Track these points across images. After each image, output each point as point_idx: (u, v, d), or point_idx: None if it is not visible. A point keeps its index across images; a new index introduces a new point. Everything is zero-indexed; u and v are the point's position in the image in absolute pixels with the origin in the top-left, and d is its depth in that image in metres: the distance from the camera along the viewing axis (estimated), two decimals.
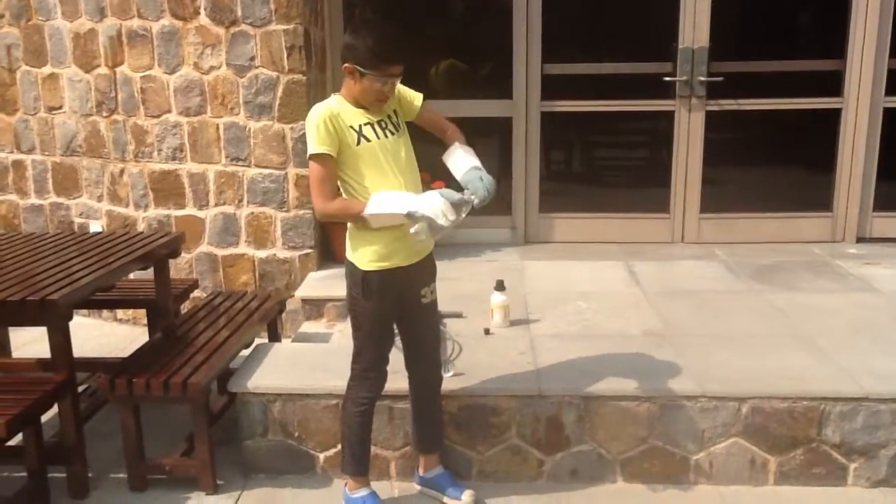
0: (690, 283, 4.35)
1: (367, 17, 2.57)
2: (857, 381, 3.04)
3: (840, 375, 3.11)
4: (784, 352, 3.36)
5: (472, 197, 2.52)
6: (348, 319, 2.81)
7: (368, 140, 2.55)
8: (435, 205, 2.44)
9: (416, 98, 2.74)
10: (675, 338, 3.53)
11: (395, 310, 2.73)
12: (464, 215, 2.51)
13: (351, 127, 2.52)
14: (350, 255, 2.67)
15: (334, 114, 2.50)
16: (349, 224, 2.66)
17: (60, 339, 2.89)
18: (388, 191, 2.54)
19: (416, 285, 2.76)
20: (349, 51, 2.47)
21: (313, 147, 2.49)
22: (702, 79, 4.84)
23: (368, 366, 2.75)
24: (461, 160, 2.68)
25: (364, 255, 2.62)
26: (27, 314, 2.77)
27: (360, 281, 2.63)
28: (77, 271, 3.10)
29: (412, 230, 2.47)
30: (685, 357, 3.30)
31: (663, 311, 3.88)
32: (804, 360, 3.27)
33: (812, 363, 3.24)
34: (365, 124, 2.55)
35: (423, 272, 2.77)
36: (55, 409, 2.97)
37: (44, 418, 2.93)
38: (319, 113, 2.49)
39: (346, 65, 2.48)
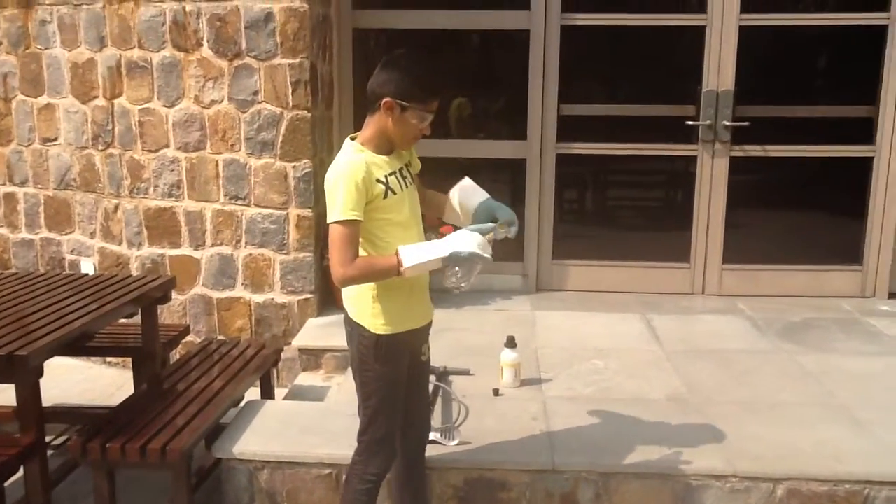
0: (714, 340, 4.07)
1: (401, 52, 2.36)
2: None
3: (884, 454, 2.84)
4: (820, 423, 3.08)
5: (504, 229, 2.39)
6: (347, 371, 2.56)
7: (394, 192, 2.32)
8: (474, 241, 2.23)
9: (417, 160, 2.55)
10: (699, 404, 3.26)
11: (406, 373, 2.50)
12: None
13: (378, 180, 2.28)
14: (357, 317, 2.39)
15: (364, 170, 2.25)
16: (362, 288, 2.36)
17: (29, 397, 2.64)
18: (412, 243, 2.31)
19: (418, 344, 2.55)
20: (390, 84, 2.25)
21: (342, 212, 2.20)
22: (726, 123, 4.61)
23: (380, 438, 2.47)
24: (476, 193, 2.50)
25: (378, 318, 2.37)
26: None
27: (374, 345, 2.37)
28: (52, 322, 2.85)
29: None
30: (712, 428, 3.03)
31: (686, 373, 3.61)
32: (842, 433, 3.00)
33: (851, 437, 2.96)
34: (390, 174, 2.32)
35: (425, 329, 2.57)
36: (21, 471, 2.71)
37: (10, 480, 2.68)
38: (350, 173, 2.22)
39: (385, 100, 2.25)
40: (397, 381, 2.45)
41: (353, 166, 2.24)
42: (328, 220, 2.24)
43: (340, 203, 2.21)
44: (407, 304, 2.41)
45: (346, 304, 2.44)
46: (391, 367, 2.40)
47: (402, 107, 2.25)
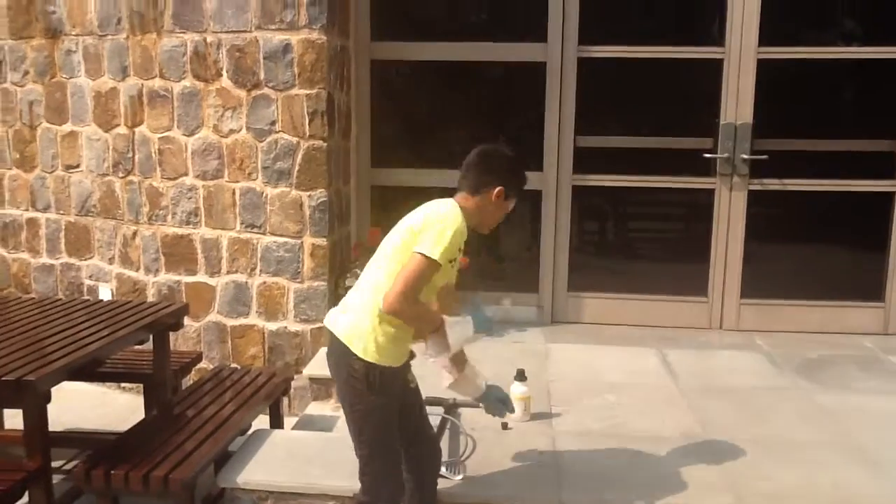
0: (730, 377, 4.01)
1: (504, 149, 2.63)
2: None
3: None
4: (837, 465, 3.00)
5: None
6: None
7: (452, 267, 2.47)
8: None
9: None
10: (713, 442, 3.20)
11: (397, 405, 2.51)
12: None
13: (460, 248, 2.43)
14: (360, 349, 2.37)
15: (464, 234, 2.41)
16: (374, 319, 2.38)
17: (36, 422, 2.65)
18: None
19: (405, 374, 2.59)
20: (501, 176, 2.48)
21: (435, 252, 2.31)
22: (744, 156, 4.57)
23: (383, 472, 2.46)
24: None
25: (383, 352, 2.39)
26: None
27: (365, 375, 2.37)
28: (63, 347, 2.88)
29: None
30: (725, 467, 2.96)
31: (700, 409, 3.55)
32: (860, 476, 2.92)
33: (869, 481, 2.88)
34: (461, 248, 2.45)
35: (409, 362, 2.61)
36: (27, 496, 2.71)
37: None
38: (460, 228, 2.37)
39: (498, 188, 2.46)
40: (390, 412, 2.45)
41: (462, 226, 2.38)
42: (417, 249, 2.32)
43: (440, 245, 2.31)
44: (404, 346, 2.47)
45: (342, 328, 2.42)
46: (384, 397, 2.40)
47: (506, 195, 2.48)
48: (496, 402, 2.72)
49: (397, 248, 2.40)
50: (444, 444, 3.10)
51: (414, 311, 2.36)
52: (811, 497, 2.75)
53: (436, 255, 2.30)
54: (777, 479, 2.87)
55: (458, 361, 2.57)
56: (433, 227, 2.35)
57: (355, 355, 2.37)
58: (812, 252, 4.82)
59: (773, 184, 4.64)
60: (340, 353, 2.41)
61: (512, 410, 2.82)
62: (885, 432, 3.32)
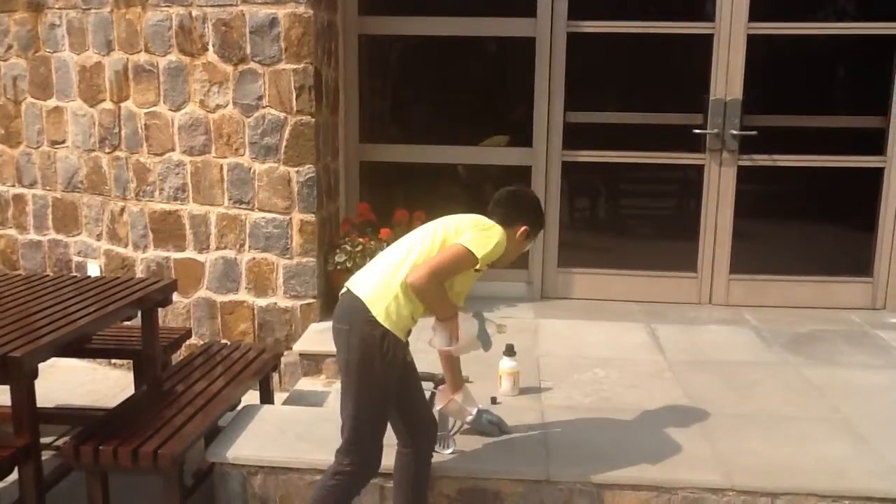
0: (718, 351, 4.03)
1: (530, 192, 2.94)
2: None
3: (887, 471, 2.78)
4: (822, 438, 3.03)
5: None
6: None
7: (476, 275, 2.65)
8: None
9: None
10: (700, 416, 3.22)
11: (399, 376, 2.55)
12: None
13: (492, 261, 2.57)
14: (381, 314, 2.41)
15: (502, 249, 2.56)
16: (397, 288, 2.44)
17: (23, 399, 2.64)
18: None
19: (406, 349, 2.61)
20: (527, 216, 2.66)
21: (477, 249, 2.46)
22: (734, 132, 4.57)
23: (372, 440, 2.48)
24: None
25: (395, 321, 2.43)
26: None
27: (380, 340, 2.40)
28: (51, 323, 2.86)
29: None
30: (712, 440, 2.98)
31: (688, 384, 3.57)
32: (845, 449, 2.94)
33: (854, 454, 2.91)
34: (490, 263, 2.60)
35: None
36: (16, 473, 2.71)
37: (3, 484, 2.68)
38: (501, 240, 2.54)
39: (524, 227, 2.64)
40: (392, 383, 2.49)
41: (504, 242, 2.56)
42: (461, 240, 2.46)
43: (484, 247, 2.47)
44: (410, 323, 2.50)
45: (365, 290, 2.44)
46: (391, 367, 2.45)
47: (529, 234, 2.66)
48: (488, 424, 2.97)
49: (436, 236, 2.51)
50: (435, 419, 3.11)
51: (436, 292, 2.46)
52: (797, 470, 2.77)
53: (474, 250, 2.45)
54: (764, 453, 2.89)
55: (456, 381, 2.89)
56: (481, 230, 2.52)
57: (375, 319, 2.40)
58: (801, 227, 4.83)
59: (762, 159, 4.64)
60: (358, 315, 2.42)
61: (507, 429, 3.02)
62: (872, 406, 3.35)
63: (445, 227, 2.54)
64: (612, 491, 2.73)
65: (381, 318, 2.40)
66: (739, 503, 2.69)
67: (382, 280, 2.47)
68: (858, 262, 4.75)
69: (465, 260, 2.46)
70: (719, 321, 4.51)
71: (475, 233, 2.50)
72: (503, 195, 2.70)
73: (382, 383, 2.46)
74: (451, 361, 2.87)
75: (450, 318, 2.54)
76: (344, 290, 2.53)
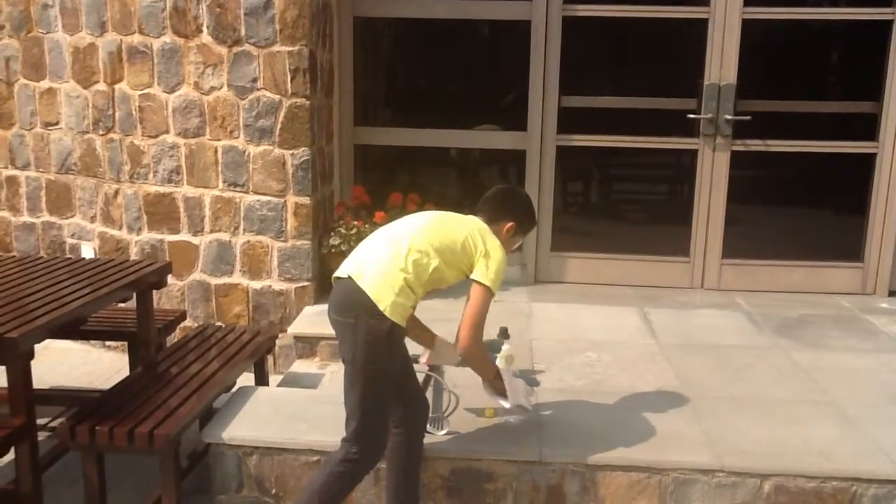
0: (710, 335, 4.06)
1: (522, 192, 2.96)
2: (894, 460, 2.75)
3: (873, 452, 2.82)
4: (810, 420, 3.07)
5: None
6: (341, 360, 2.57)
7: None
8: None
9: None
10: (691, 398, 3.25)
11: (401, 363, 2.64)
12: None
13: None
14: (387, 308, 2.41)
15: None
16: (400, 278, 2.45)
17: (19, 380, 2.65)
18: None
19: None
20: (516, 214, 2.71)
21: (495, 282, 2.55)
22: (728, 117, 4.58)
23: (378, 427, 2.50)
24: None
25: (398, 311, 2.45)
26: None
27: (388, 332, 2.43)
28: (46, 305, 2.87)
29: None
30: (702, 422, 3.02)
31: (679, 367, 3.60)
32: (833, 431, 2.98)
33: (842, 436, 2.95)
34: None
35: None
36: (12, 453, 2.73)
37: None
38: (502, 254, 2.60)
39: (510, 224, 2.68)
40: (396, 371, 2.53)
41: (502, 254, 2.61)
42: (479, 279, 2.53)
43: (498, 277, 2.55)
44: (409, 309, 2.51)
45: (370, 283, 2.44)
46: (397, 357, 2.51)
47: (516, 231, 2.71)
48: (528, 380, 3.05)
49: (430, 249, 2.51)
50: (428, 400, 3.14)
51: (482, 351, 2.64)
52: (786, 451, 2.81)
53: (492, 285, 2.53)
54: (753, 435, 2.93)
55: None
56: (495, 257, 2.56)
57: (382, 313, 2.41)
58: (793, 213, 4.87)
59: (755, 145, 4.66)
60: (364, 309, 2.43)
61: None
62: (859, 389, 3.39)
63: (471, 243, 2.55)
64: (603, 471, 2.76)
65: (388, 312, 2.42)
66: (729, 484, 2.73)
67: (385, 273, 2.46)
68: (850, 248, 4.78)
69: (489, 299, 2.55)
70: (711, 305, 4.54)
71: (490, 263, 2.54)
72: (492, 193, 2.77)
73: (388, 373, 2.49)
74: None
75: (496, 377, 2.73)
76: (343, 277, 2.52)
